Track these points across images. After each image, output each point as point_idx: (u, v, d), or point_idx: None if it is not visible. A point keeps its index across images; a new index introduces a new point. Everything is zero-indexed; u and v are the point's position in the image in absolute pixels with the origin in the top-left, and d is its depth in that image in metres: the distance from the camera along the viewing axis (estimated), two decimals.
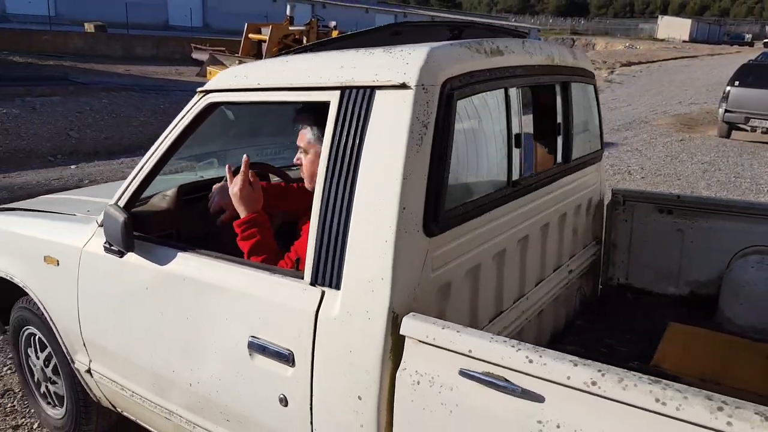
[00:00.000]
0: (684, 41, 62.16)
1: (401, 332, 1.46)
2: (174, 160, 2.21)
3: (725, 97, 13.28)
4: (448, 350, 1.37)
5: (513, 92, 2.04)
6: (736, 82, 13.16)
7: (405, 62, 1.56)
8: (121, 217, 1.99)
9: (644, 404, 1.11)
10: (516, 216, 2.10)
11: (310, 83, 1.72)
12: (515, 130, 2.04)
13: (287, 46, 18.79)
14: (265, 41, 18.29)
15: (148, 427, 2.40)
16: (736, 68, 14.01)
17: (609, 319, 2.75)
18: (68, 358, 2.53)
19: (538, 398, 1.25)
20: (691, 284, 2.79)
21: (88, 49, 22.17)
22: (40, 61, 18.54)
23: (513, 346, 1.30)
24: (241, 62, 17.85)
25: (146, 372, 2.15)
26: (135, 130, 11.68)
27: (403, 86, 1.52)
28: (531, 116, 2.52)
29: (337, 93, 1.64)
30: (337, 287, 1.56)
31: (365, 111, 1.58)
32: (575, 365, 1.20)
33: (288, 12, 19.74)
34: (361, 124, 1.58)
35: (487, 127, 2.00)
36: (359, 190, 1.54)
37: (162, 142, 2.09)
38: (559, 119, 2.49)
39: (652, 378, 1.15)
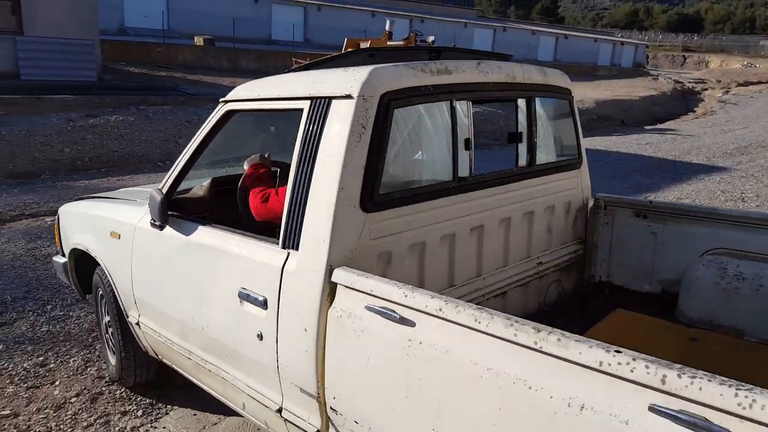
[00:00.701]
0: None
1: (333, 280, 1.96)
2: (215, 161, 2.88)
3: None
4: (359, 291, 1.88)
5: (462, 104, 2.49)
6: None
7: (353, 78, 2.07)
8: (158, 197, 2.60)
9: (469, 323, 1.58)
10: (466, 206, 2.55)
11: (291, 95, 2.29)
12: (465, 135, 2.52)
13: None
14: None
15: (176, 368, 3.05)
16: None
17: (580, 311, 3.07)
18: (124, 313, 3.19)
19: (411, 323, 1.74)
20: (662, 282, 3.06)
21: (197, 62, 23.45)
22: (153, 72, 19.86)
23: (397, 287, 1.78)
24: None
25: (175, 321, 2.76)
26: (237, 140, 12.28)
27: (349, 97, 2.03)
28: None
29: (308, 102, 2.18)
30: (297, 249, 2.09)
31: (324, 115, 2.10)
32: (431, 297, 1.68)
33: (387, 27, 19.99)
34: (320, 125, 2.10)
35: (435, 132, 2.49)
36: (315, 175, 2.07)
37: (194, 141, 2.73)
38: (521, 129, 2.92)
39: (477, 307, 1.61)
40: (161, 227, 2.70)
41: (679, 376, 1.20)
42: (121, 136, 10.91)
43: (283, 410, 2.24)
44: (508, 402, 1.48)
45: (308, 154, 2.12)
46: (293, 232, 2.12)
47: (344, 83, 2.08)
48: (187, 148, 2.76)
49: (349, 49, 19.07)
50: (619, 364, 1.29)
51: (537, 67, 3.07)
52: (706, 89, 33.84)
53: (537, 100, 2.96)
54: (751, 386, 1.14)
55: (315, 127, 2.12)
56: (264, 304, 2.19)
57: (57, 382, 3.62)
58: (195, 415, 3.33)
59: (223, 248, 2.41)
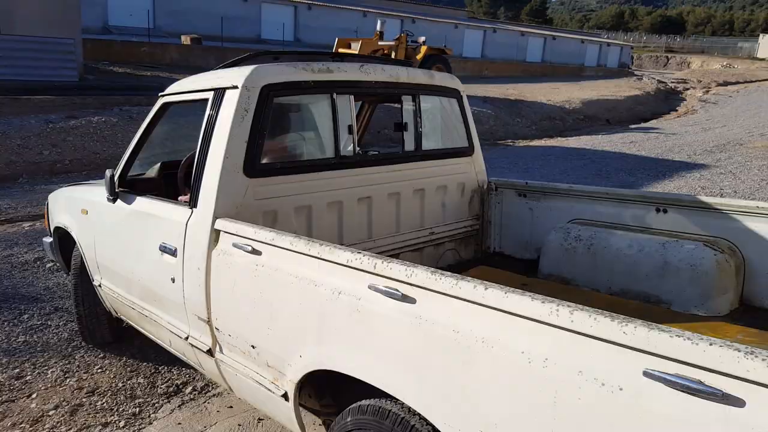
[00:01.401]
0: None
1: (216, 228, 2.53)
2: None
3: None
4: (230, 233, 2.47)
5: (344, 98, 3.06)
6: None
7: (240, 74, 2.67)
8: (109, 175, 3.19)
9: (293, 247, 2.15)
10: (351, 180, 3.13)
11: (202, 88, 2.90)
12: (348, 122, 3.09)
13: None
14: (354, 55, 18.61)
15: (128, 321, 3.58)
16: None
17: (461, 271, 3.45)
18: (91, 278, 3.73)
19: (258, 253, 2.31)
20: (537, 249, 3.60)
21: (184, 61, 23.23)
22: (138, 71, 19.62)
23: (251, 227, 2.37)
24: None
25: (122, 278, 3.32)
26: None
27: (236, 87, 2.64)
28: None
29: (212, 93, 2.78)
30: (196, 206, 2.67)
31: (219, 102, 2.71)
32: (270, 232, 2.27)
33: (378, 27, 19.98)
34: (217, 110, 2.70)
35: (319, 118, 3.13)
36: (210, 148, 2.67)
37: (139, 130, 3.39)
38: (406, 120, 3.48)
39: (306, 239, 2.16)
40: (114, 200, 3.24)
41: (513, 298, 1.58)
42: (104, 137, 10.73)
43: (189, 337, 2.80)
44: (307, 297, 2.12)
45: (208, 133, 2.72)
46: (195, 194, 2.69)
47: (234, 77, 2.70)
48: (134, 137, 3.41)
49: (339, 49, 19.10)
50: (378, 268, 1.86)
51: (424, 70, 3.62)
52: (688, 89, 34.23)
53: (422, 97, 3.52)
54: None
55: (214, 112, 2.73)
56: (174, 253, 2.76)
57: (34, 395, 3.51)
58: (180, 424, 3.26)
59: (152, 212, 2.99)
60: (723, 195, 9.50)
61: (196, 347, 2.76)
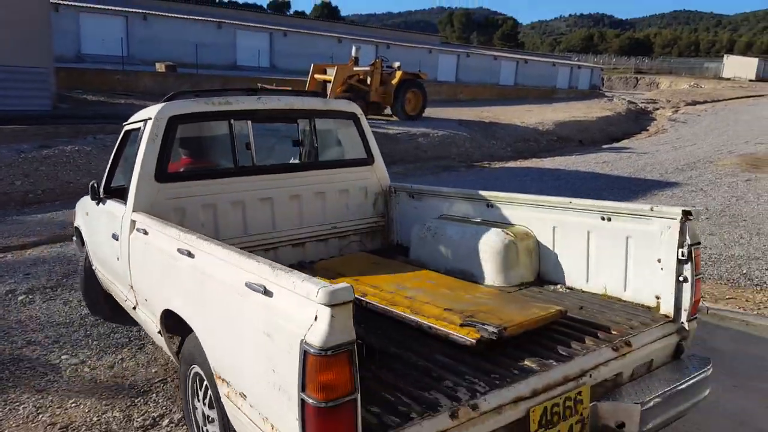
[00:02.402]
0: (750, 80, 59.96)
1: (132, 219, 3.47)
2: None
3: None
4: (137, 221, 3.42)
5: (242, 123, 4.00)
6: None
7: (156, 108, 3.69)
8: (90, 184, 4.22)
9: (169, 233, 2.98)
10: (251, 185, 4.03)
11: (139, 119, 3.90)
12: (245, 141, 4.03)
13: (352, 86, 19.20)
14: (330, 81, 18.71)
15: (110, 292, 4.38)
16: None
17: None
18: (91, 264, 4.68)
19: (147, 233, 3.25)
20: None
21: (158, 89, 23.08)
22: (112, 99, 19.48)
23: (145, 216, 3.32)
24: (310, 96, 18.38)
25: (101, 260, 4.33)
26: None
27: (150, 119, 3.66)
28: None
29: (142, 122, 3.79)
30: (125, 204, 3.65)
31: (144, 129, 3.70)
32: (149, 218, 3.27)
33: (353, 53, 20.16)
34: (141, 134, 3.71)
35: (221, 138, 4.08)
36: (135, 162, 3.64)
37: (112, 152, 4.36)
38: (302, 138, 4.50)
39: (174, 227, 3.00)
40: (97, 203, 4.24)
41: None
42: (77, 166, 10.59)
43: (127, 299, 3.76)
44: (161, 261, 3.07)
45: (136, 151, 3.70)
46: (126, 195, 3.69)
47: (151, 111, 3.76)
48: (110, 157, 4.40)
49: (315, 75, 19.18)
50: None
51: (319, 99, 4.55)
52: (658, 109, 34.99)
53: (318, 120, 4.40)
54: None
55: (140, 136, 3.74)
56: (117, 238, 3.72)
57: None
58: None
59: (111, 210, 3.95)
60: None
61: (129, 306, 3.73)
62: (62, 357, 4.36)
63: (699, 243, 2.89)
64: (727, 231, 8.59)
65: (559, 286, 3.50)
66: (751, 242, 7.99)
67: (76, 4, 28.82)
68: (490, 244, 3.60)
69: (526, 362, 2.46)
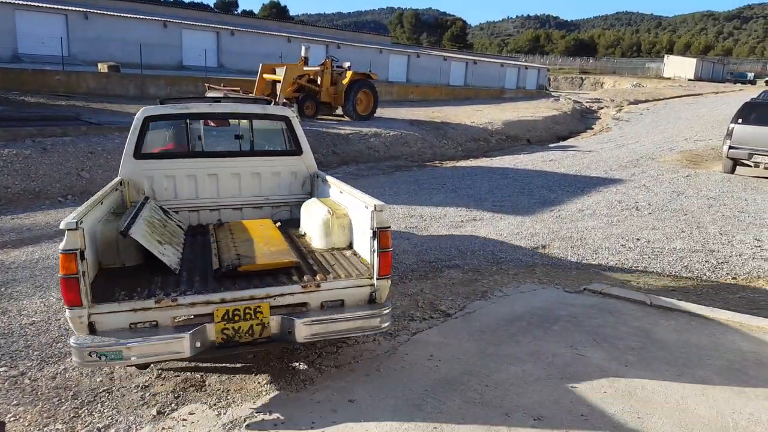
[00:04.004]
0: (689, 80, 62.52)
1: (121, 179, 5.22)
2: None
3: (729, 134, 13.59)
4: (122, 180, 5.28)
5: (195, 122, 6.04)
6: (740, 120, 13.50)
7: (141, 110, 5.36)
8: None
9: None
10: (201, 164, 5.51)
11: (139, 118, 5.29)
12: (198, 134, 6.19)
13: (302, 86, 19.05)
14: (279, 81, 18.51)
15: None
16: (739, 106, 14.23)
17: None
18: None
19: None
20: None
21: (101, 89, 22.41)
22: (52, 101, 18.73)
23: (122, 178, 5.26)
24: (255, 102, 18.17)
25: None
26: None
27: (137, 118, 5.27)
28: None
29: (134, 119, 5.33)
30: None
31: (132, 124, 5.32)
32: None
33: (303, 53, 19.98)
34: (131, 127, 5.31)
35: (181, 132, 5.91)
36: (125, 145, 5.32)
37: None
38: (242, 133, 5.94)
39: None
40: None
41: None
42: (16, 171, 10.12)
43: None
44: None
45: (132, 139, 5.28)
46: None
47: (138, 112, 5.32)
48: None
49: (264, 74, 18.94)
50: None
51: (258, 105, 6.04)
52: (602, 108, 36.02)
53: (253, 120, 5.91)
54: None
55: (134, 129, 5.28)
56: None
57: None
58: None
59: None
60: (638, 208, 10.05)
61: None
62: (0, 369, 4.16)
63: (387, 227, 3.99)
64: (668, 225, 8.93)
65: (353, 251, 4.57)
66: (692, 235, 8.32)
67: (12, 1, 27.63)
68: (320, 217, 4.74)
69: (237, 285, 3.79)
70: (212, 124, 6.75)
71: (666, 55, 76.87)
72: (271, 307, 3.72)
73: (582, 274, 6.62)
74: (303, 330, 3.70)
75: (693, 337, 4.79)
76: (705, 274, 6.71)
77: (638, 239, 8.09)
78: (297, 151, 5.83)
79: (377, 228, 3.96)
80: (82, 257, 3.36)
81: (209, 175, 5.57)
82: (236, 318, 3.64)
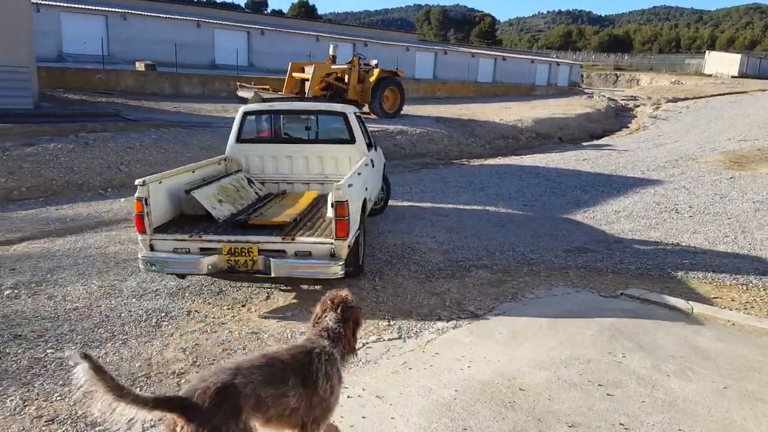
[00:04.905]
0: (733, 76, 60.53)
1: (226, 156, 7.35)
2: None
3: None
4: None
5: (279, 116, 7.85)
6: None
7: (241, 108, 7.54)
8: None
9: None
10: (281, 148, 7.50)
11: (240, 113, 7.43)
12: (280, 125, 7.91)
13: (329, 84, 19.22)
14: (308, 80, 18.71)
15: None
16: None
17: None
18: None
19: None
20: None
21: (139, 87, 22.97)
22: (93, 98, 19.27)
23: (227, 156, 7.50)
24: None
25: None
26: (182, 165, 11.98)
27: (239, 113, 7.39)
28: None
29: (242, 114, 7.49)
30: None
31: (237, 118, 7.46)
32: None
33: (330, 51, 20.12)
34: (237, 121, 7.42)
35: (269, 124, 7.85)
36: (231, 131, 7.49)
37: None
38: (311, 126, 7.89)
39: None
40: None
41: None
42: (60, 164, 10.52)
43: None
44: None
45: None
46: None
47: (239, 109, 7.48)
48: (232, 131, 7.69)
49: (293, 73, 19.17)
50: None
51: (324, 104, 8.74)
52: (638, 106, 35.24)
53: (320, 116, 7.75)
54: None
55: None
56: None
57: None
58: None
59: None
60: (678, 211, 9.76)
61: None
62: (47, 351, 4.37)
63: (343, 201, 5.06)
64: (711, 229, 8.61)
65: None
66: (737, 240, 7.99)
67: (57, 3, 28.44)
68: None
69: (247, 232, 5.40)
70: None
71: (707, 51, 74.77)
72: (260, 250, 5.17)
73: (618, 278, 6.46)
74: (276, 267, 5.11)
75: (739, 347, 4.58)
76: (751, 282, 6.39)
77: (678, 243, 7.88)
78: (351, 140, 7.29)
79: (334, 201, 5.08)
80: (147, 203, 5.12)
81: (286, 157, 7.43)
82: (236, 253, 5.18)
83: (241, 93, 20.36)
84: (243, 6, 78.10)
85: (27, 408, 3.62)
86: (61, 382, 3.93)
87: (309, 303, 5.63)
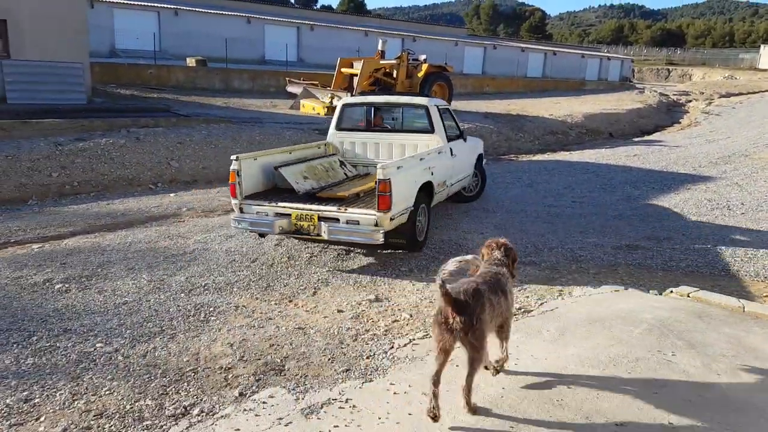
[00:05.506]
0: None
1: (329, 141, 8.82)
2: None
3: None
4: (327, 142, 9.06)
5: (371, 109, 8.69)
6: None
7: (341, 101, 9.12)
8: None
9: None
10: (372, 136, 8.58)
11: (339, 105, 8.90)
12: (371, 117, 8.70)
13: (378, 79, 19.15)
14: (356, 75, 18.70)
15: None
16: None
17: None
18: None
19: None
20: None
21: (189, 83, 23.43)
22: (144, 93, 19.78)
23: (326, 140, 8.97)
24: (333, 96, 18.40)
25: None
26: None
27: (338, 106, 8.86)
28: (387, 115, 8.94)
29: (341, 106, 8.92)
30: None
31: (338, 109, 8.91)
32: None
33: (379, 46, 20.06)
34: (338, 111, 8.84)
35: (363, 114, 8.83)
36: (331, 121, 8.98)
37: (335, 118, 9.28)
38: (397, 117, 8.82)
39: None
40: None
41: None
42: (111, 159, 10.78)
43: None
44: None
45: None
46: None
47: (339, 102, 9.06)
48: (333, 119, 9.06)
49: (342, 68, 19.20)
50: None
51: (408, 96, 9.18)
52: (690, 101, 34.20)
53: (405, 108, 8.67)
54: None
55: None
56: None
57: (42, 418, 3.52)
58: None
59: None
60: (730, 208, 9.52)
61: None
62: (97, 345, 4.45)
63: (385, 179, 5.88)
64: (764, 227, 8.39)
65: None
66: None
67: (111, 0, 29.31)
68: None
69: (314, 202, 6.49)
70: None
71: (762, 45, 71.83)
72: (319, 217, 6.19)
73: (668, 275, 6.33)
74: (329, 231, 6.06)
75: None
76: None
77: (729, 241, 7.66)
78: (431, 130, 8.10)
79: (378, 179, 5.92)
80: (239, 175, 6.44)
81: (375, 144, 8.46)
82: (301, 219, 6.25)
83: (290, 88, 20.53)
84: (292, 1, 78.80)
85: (76, 402, 3.69)
86: (110, 377, 3.98)
87: (354, 298, 5.61)
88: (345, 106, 8.63)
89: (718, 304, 5.33)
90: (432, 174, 7.15)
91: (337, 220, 6.13)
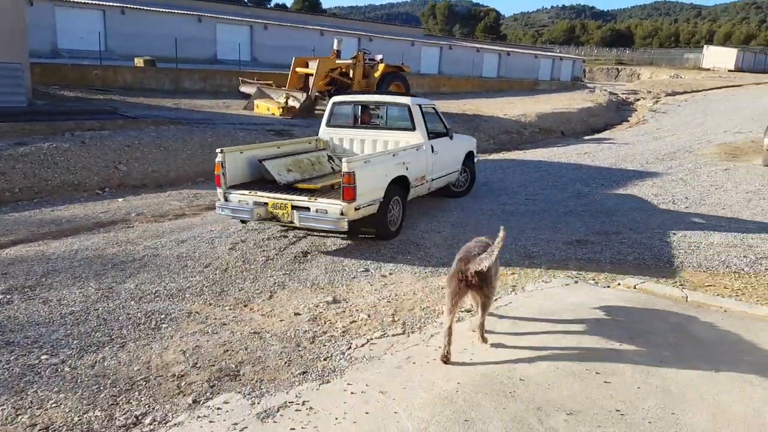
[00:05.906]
0: (730, 70, 60.64)
1: (319, 137, 9.28)
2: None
3: None
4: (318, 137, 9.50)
5: (358, 107, 9.51)
6: None
7: (331, 99, 9.57)
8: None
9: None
10: (358, 132, 9.12)
11: (329, 103, 9.46)
12: (357, 114, 9.53)
13: (334, 79, 19.08)
14: (312, 75, 18.59)
15: None
16: None
17: None
18: None
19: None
20: None
21: (138, 84, 22.83)
22: (90, 95, 19.14)
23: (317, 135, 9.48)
24: (288, 96, 18.22)
25: None
26: (182, 163, 11.89)
27: (329, 104, 9.51)
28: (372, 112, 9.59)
29: (331, 104, 9.47)
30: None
31: (326, 106, 9.64)
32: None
33: (335, 46, 20.00)
34: (326, 108, 9.57)
35: (350, 112, 9.57)
36: (323, 118, 9.55)
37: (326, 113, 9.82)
38: (381, 114, 9.46)
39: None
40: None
41: None
42: (55, 163, 10.38)
43: None
44: None
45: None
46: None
47: (330, 100, 9.49)
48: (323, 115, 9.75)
49: (297, 68, 19.01)
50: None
51: (391, 96, 10.14)
52: (639, 100, 35.24)
53: (389, 107, 9.21)
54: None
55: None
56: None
57: None
58: None
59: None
60: (675, 202, 9.86)
61: None
62: (42, 357, 4.28)
63: (350, 172, 6.36)
64: (706, 220, 8.72)
65: None
66: (730, 230, 8.12)
67: None
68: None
69: (290, 193, 7.02)
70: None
71: (705, 46, 74.61)
72: (292, 206, 6.70)
73: (616, 268, 6.52)
74: (300, 219, 6.58)
75: (731, 334, 4.67)
76: (743, 270, 6.53)
77: (674, 234, 7.93)
78: (412, 128, 8.50)
79: (343, 172, 6.39)
80: (223, 166, 7.00)
81: (360, 140, 8.92)
82: (277, 207, 6.78)
83: (243, 89, 20.24)
84: (246, 0, 77.88)
85: (20, 417, 3.54)
86: (56, 389, 3.85)
87: (311, 301, 5.58)
88: (335, 104, 9.18)
89: (662, 294, 5.55)
90: (407, 169, 7.53)
91: (308, 209, 6.64)
